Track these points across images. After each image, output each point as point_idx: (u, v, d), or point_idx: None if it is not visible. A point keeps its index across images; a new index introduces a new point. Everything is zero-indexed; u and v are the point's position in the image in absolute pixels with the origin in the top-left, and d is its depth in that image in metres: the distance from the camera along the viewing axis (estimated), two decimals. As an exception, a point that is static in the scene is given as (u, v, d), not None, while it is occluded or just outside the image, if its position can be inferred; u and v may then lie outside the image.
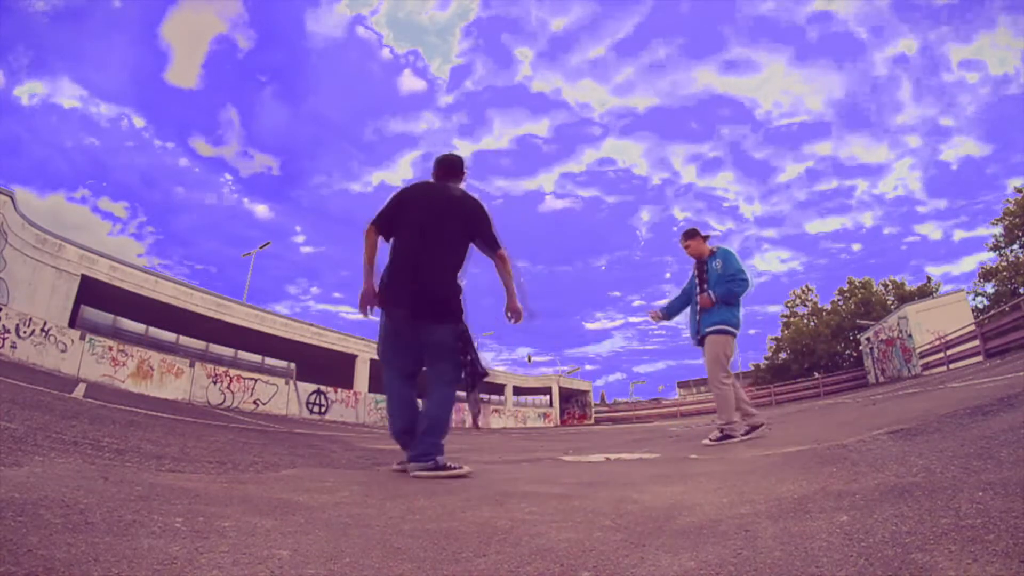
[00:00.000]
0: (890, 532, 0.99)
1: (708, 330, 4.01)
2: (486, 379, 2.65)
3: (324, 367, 20.38)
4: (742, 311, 4.11)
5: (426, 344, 2.55)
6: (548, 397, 30.73)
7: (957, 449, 1.71)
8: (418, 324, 2.51)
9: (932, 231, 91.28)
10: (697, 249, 4.29)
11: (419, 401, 2.67)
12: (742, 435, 3.80)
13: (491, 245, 2.65)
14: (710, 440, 3.85)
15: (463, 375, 2.56)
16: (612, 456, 3.55)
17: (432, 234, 2.54)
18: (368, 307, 2.55)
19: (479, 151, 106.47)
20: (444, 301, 2.53)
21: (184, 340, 16.61)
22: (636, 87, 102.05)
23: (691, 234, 4.33)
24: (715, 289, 4.04)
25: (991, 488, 1.17)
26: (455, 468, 2.39)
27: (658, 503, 1.56)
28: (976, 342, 14.40)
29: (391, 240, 2.61)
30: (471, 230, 2.63)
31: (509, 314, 2.72)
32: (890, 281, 33.93)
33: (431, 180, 2.77)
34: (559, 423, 28.91)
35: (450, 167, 2.79)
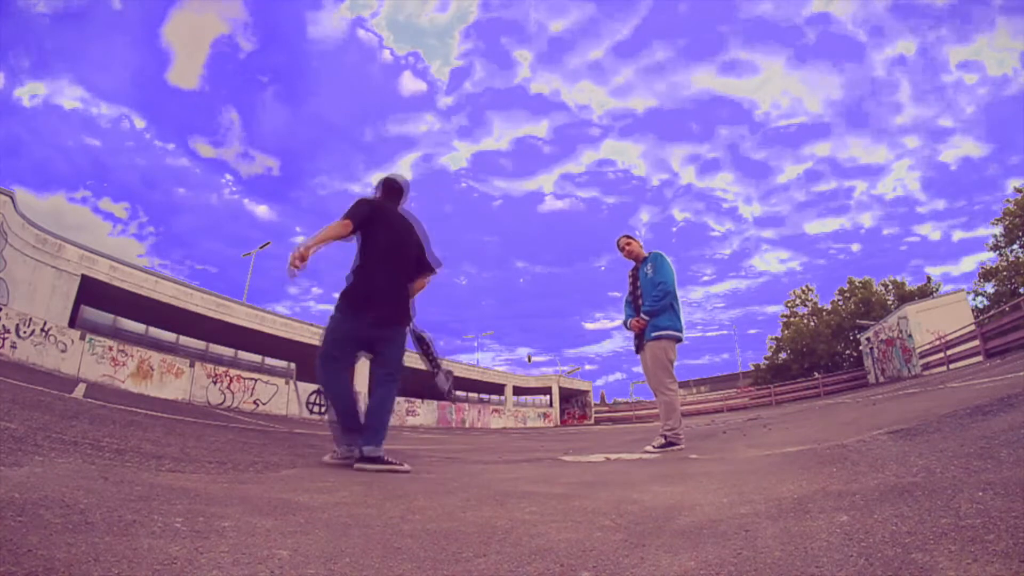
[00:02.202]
0: (890, 532, 0.99)
1: (653, 335, 3.95)
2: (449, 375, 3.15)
3: (324, 367, 20.33)
4: (683, 316, 4.06)
5: (378, 345, 2.86)
6: (548, 397, 30.73)
7: (957, 449, 1.71)
8: (377, 327, 2.82)
9: (931, 231, 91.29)
10: (635, 251, 4.28)
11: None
12: (656, 447, 3.71)
13: (430, 267, 3.10)
14: (653, 448, 3.72)
15: (440, 373, 3.05)
16: (612, 456, 3.55)
17: (401, 251, 2.95)
18: (298, 266, 2.53)
19: (479, 152, 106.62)
20: (405, 309, 2.95)
21: (184, 340, 16.61)
22: (635, 88, 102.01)
23: (630, 236, 4.35)
24: (644, 303, 4.03)
25: (991, 488, 1.17)
26: (398, 464, 2.63)
27: (658, 503, 1.56)
28: (976, 342, 14.40)
29: (360, 245, 2.86)
30: (421, 251, 3.08)
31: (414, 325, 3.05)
32: (890, 281, 33.95)
33: (383, 199, 3.10)
34: (559, 423, 28.91)
35: (400, 191, 3.17)
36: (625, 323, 4.27)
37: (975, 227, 77.49)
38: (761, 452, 2.84)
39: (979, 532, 0.91)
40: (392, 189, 3.14)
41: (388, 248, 2.88)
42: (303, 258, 2.54)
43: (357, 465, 2.59)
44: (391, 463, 2.62)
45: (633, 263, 4.33)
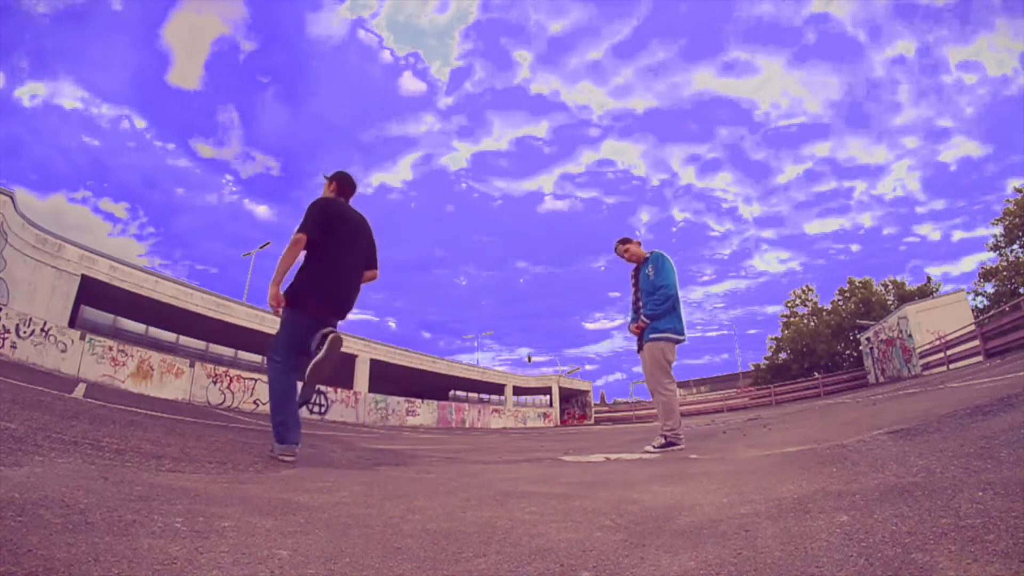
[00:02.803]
0: (890, 532, 0.99)
1: (651, 336, 3.94)
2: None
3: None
4: (684, 318, 4.05)
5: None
6: (548, 397, 30.72)
7: (957, 449, 1.71)
8: (327, 323, 2.89)
9: (931, 232, 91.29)
10: (635, 253, 4.25)
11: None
12: (656, 447, 3.72)
13: (375, 264, 3.19)
14: (653, 448, 3.71)
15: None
16: (612, 456, 3.55)
17: (354, 248, 3.04)
18: (278, 309, 2.83)
19: (479, 152, 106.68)
20: (352, 305, 3.04)
21: (184, 340, 16.63)
22: (634, 89, 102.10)
23: (625, 240, 4.30)
24: (644, 305, 4.02)
25: (991, 488, 1.17)
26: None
27: (658, 503, 1.56)
28: (976, 342, 14.40)
29: (313, 247, 2.89)
30: (371, 246, 3.19)
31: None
32: (890, 281, 33.94)
33: (337, 197, 3.16)
34: (559, 423, 28.90)
35: (354, 188, 3.27)
36: (629, 326, 4.26)
37: (975, 227, 77.66)
38: (761, 452, 2.84)
39: (979, 532, 0.91)
40: (348, 185, 3.23)
41: (347, 243, 2.98)
42: (279, 301, 2.80)
43: (282, 456, 2.75)
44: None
45: (635, 265, 4.28)
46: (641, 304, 4.07)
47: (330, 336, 2.72)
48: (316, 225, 2.85)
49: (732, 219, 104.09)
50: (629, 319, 4.29)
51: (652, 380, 3.94)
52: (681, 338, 3.99)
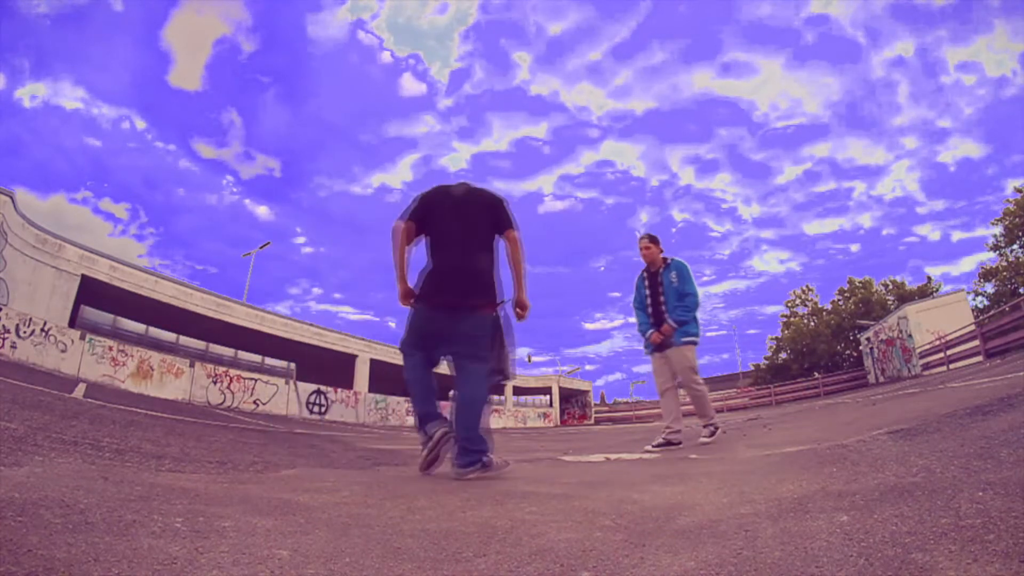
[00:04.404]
0: (890, 532, 0.99)
1: (683, 340, 4.10)
2: (503, 380, 2.67)
3: (324, 367, 20.38)
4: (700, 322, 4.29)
5: (456, 334, 2.52)
6: (548, 397, 30.70)
7: (957, 449, 1.71)
8: (452, 314, 2.52)
9: (930, 232, 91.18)
10: (652, 256, 4.29)
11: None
12: (706, 438, 4.08)
13: (504, 225, 2.68)
14: (705, 439, 4.04)
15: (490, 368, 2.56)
16: (612, 456, 3.55)
17: (461, 222, 2.63)
18: (409, 303, 2.62)
19: (478, 153, 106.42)
20: (477, 291, 2.56)
21: (184, 340, 16.62)
22: (634, 90, 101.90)
23: (656, 239, 4.34)
24: (672, 312, 4.12)
25: (991, 488, 1.17)
26: (504, 466, 2.44)
27: (658, 503, 1.56)
28: (976, 342, 14.40)
29: (426, 238, 2.67)
30: (488, 211, 2.69)
31: (517, 309, 2.71)
32: (890, 281, 33.94)
33: (441, 185, 2.83)
34: (559, 423, 28.88)
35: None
36: (641, 328, 4.30)
37: (974, 227, 77.53)
38: (761, 452, 2.84)
39: (979, 532, 0.91)
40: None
41: (449, 219, 2.64)
42: (407, 295, 2.60)
43: (462, 477, 2.34)
44: (491, 465, 2.37)
45: (645, 265, 4.35)
46: (666, 308, 4.14)
47: (436, 436, 2.46)
48: (412, 211, 2.67)
49: (732, 219, 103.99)
50: (643, 321, 4.32)
51: (688, 379, 4.13)
52: (699, 342, 4.22)
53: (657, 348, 4.18)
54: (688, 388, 4.17)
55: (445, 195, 2.73)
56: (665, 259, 4.27)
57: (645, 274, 4.34)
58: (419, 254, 2.74)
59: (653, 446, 3.85)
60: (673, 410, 4.12)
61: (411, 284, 2.68)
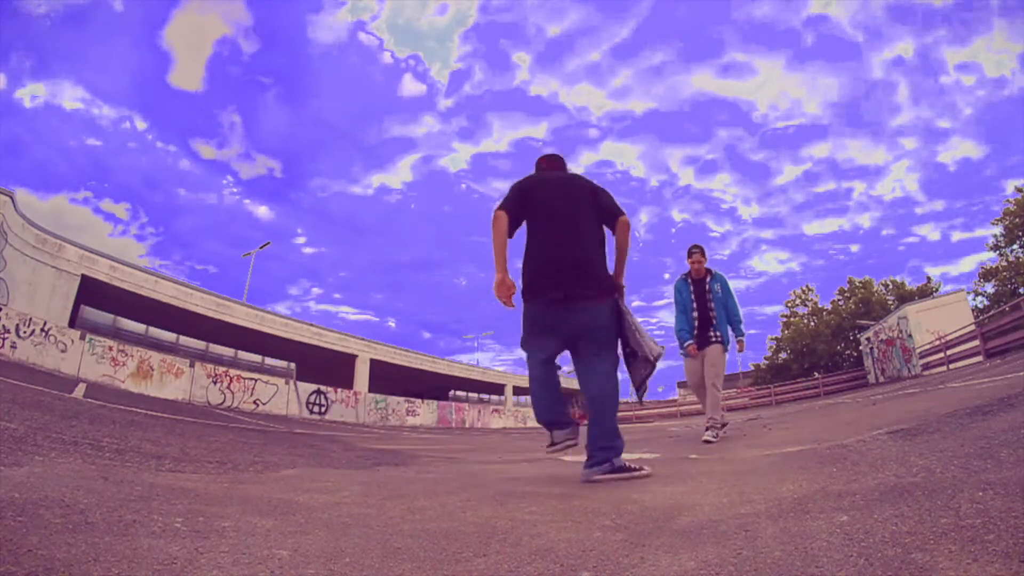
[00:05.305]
0: (890, 532, 0.99)
1: (729, 344, 4.49)
2: (644, 359, 2.45)
3: (324, 367, 20.39)
4: None
5: (574, 327, 2.37)
6: (548, 397, 30.61)
7: (957, 449, 1.71)
8: (568, 307, 2.36)
9: (930, 232, 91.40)
10: (701, 267, 4.53)
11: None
12: (713, 437, 4.24)
13: (612, 213, 2.53)
14: (710, 438, 4.14)
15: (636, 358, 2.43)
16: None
17: (565, 209, 2.48)
18: (509, 297, 2.37)
19: (478, 154, 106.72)
20: (586, 281, 2.37)
21: (184, 340, 16.60)
22: (633, 90, 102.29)
23: (704, 252, 4.59)
24: (735, 327, 4.54)
25: (991, 488, 1.17)
26: (637, 470, 2.25)
27: (658, 503, 1.56)
28: (976, 342, 14.38)
29: (528, 226, 2.51)
30: (593, 196, 2.55)
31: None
32: (890, 281, 33.92)
33: (537, 172, 2.72)
34: (559, 423, 28.80)
35: (556, 157, 2.79)
36: (681, 331, 4.51)
37: (974, 227, 77.71)
38: (761, 452, 2.84)
39: (979, 532, 0.91)
40: (546, 158, 2.78)
41: (551, 207, 2.47)
42: (509, 286, 2.35)
43: (591, 479, 2.22)
44: (625, 469, 2.23)
45: (689, 273, 4.58)
46: (714, 316, 4.44)
47: (559, 445, 2.38)
48: (510, 200, 2.48)
49: (731, 220, 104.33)
50: (684, 325, 4.54)
51: (718, 378, 4.40)
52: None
53: (700, 346, 4.46)
54: (710, 386, 4.39)
55: (545, 183, 2.59)
56: (708, 269, 4.54)
57: (690, 281, 4.57)
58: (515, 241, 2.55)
59: (712, 436, 4.12)
60: (715, 401, 4.41)
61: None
